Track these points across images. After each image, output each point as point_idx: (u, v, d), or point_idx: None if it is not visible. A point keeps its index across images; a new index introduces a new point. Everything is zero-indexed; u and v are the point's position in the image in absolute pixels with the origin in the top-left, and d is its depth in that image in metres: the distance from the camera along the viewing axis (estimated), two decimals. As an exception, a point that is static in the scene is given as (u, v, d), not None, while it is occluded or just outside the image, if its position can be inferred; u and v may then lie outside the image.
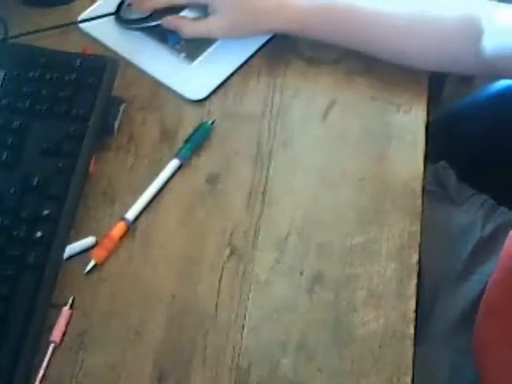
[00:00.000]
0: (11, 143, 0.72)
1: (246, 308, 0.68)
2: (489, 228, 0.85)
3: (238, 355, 0.66)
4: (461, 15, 0.74)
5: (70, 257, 0.70)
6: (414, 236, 0.71)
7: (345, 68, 0.82)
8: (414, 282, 0.68)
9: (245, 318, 0.67)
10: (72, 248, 0.70)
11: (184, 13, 0.83)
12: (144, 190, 0.74)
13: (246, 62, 0.83)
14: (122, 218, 0.71)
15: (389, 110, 0.79)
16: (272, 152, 0.76)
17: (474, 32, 0.73)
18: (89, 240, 0.71)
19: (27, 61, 0.77)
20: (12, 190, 0.70)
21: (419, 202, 0.73)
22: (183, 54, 0.83)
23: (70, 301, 0.68)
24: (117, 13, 0.85)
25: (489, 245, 0.83)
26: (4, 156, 0.72)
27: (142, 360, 0.66)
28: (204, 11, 0.83)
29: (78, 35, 0.85)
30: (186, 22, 0.82)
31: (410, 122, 0.78)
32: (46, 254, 0.67)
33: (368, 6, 0.77)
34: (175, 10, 0.83)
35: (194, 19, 0.83)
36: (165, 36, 0.84)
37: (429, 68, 0.79)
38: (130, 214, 0.72)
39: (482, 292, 0.78)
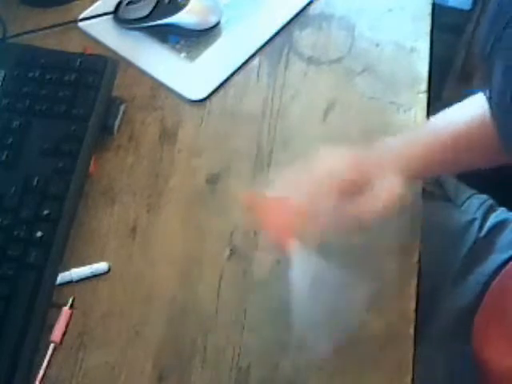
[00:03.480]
0: (11, 143, 0.72)
1: (246, 308, 0.68)
2: (486, 228, 0.85)
3: (238, 355, 0.66)
4: None
5: (81, 279, 0.69)
6: (414, 236, 0.71)
7: (345, 68, 0.82)
8: (414, 282, 0.68)
9: (245, 318, 0.67)
10: (84, 271, 0.69)
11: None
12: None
13: (246, 61, 0.83)
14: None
15: (389, 110, 0.79)
16: (272, 152, 0.76)
17: None
18: (101, 266, 0.70)
19: (27, 61, 0.77)
20: (12, 190, 0.70)
21: (419, 202, 0.73)
22: (183, 54, 0.83)
23: (70, 301, 0.68)
24: (115, 12, 0.85)
25: (486, 244, 0.83)
26: (4, 156, 0.72)
27: (142, 360, 0.66)
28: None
29: (78, 35, 0.85)
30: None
31: (409, 122, 0.78)
32: (46, 254, 0.67)
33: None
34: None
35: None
36: (165, 36, 0.84)
37: None
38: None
39: (480, 292, 0.78)
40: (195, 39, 0.84)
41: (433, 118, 0.72)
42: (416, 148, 0.68)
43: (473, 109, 0.68)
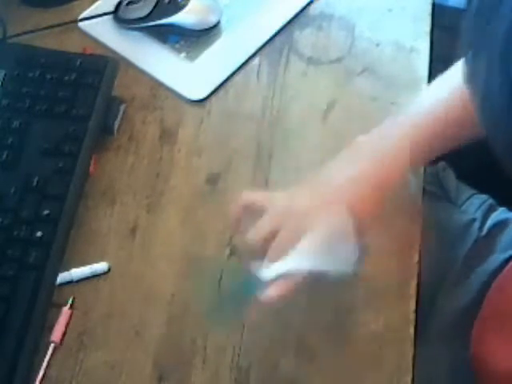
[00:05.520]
0: (11, 143, 0.72)
1: (246, 308, 0.68)
2: (486, 228, 0.85)
3: (238, 355, 0.65)
4: None
5: (81, 279, 0.69)
6: (414, 236, 0.71)
7: (345, 68, 0.82)
8: (414, 282, 0.68)
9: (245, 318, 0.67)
10: (84, 271, 0.69)
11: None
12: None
13: (246, 61, 0.83)
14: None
15: (389, 110, 0.79)
16: (272, 152, 0.76)
17: None
18: (101, 266, 0.70)
19: (27, 61, 0.77)
20: (12, 190, 0.70)
21: (419, 201, 0.73)
22: (183, 54, 0.83)
23: (70, 301, 0.68)
24: (115, 12, 0.85)
25: (486, 244, 0.83)
26: (4, 156, 0.72)
27: (142, 360, 0.66)
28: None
29: (78, 35, 0.85)
30: None
31: (409, 122, 0.78)
32: (46, 254, 0.67)
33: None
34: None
35: None
36: (165, 36, 0.84)
37: None
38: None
39: (480, 292, 0.78)
40: (195, 39, 0.84)
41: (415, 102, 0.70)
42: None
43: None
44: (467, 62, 0.46)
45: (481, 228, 0.85)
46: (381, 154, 0.65)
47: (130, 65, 0.82)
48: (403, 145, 0.66)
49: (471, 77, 0.46)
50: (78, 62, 0.76)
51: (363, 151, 0.66)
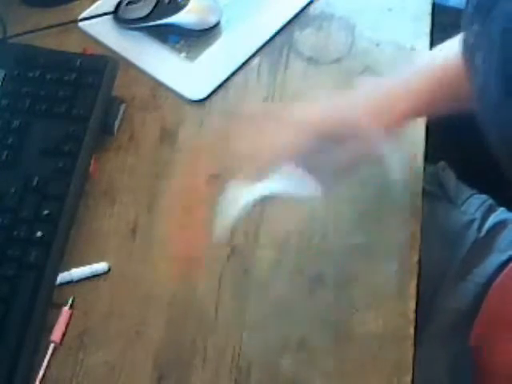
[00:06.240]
0: (11, 143, 0.72)
1: (246, 308, 0.68)
2: (485, 228, 0.85)
3: (238, 355, 0.65)
4: None
5: (81, 279, 0.69)
6: (414, 236, 0.71)
7: (345, 68, 0.82)
8: (414, 282, 0.68)
9: (245, 317, 0.67)
10: (84, 271, 0.69)
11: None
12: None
13: (246, 61, 0.83)
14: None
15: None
16: (272, 152, 0.76)
17: None
18: (101, 266, 0.70)
19: (27, 61, 0.77)
20: (12, 190, 0.70)
21: (419, 202, 0.73)
22: (183, 54, 0.83)
23: (70, 301, 0.68)
24: (115, 12, 0.85)
25: (484, 245, 0.83)
26: (4, 156, 0.72)
27: (142, 360, 0.66)
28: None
29: (78, 35, 0.85)
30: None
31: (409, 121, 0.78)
32: (46, 254, 0.67)
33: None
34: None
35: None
36: (165, 36, 0.84)
37: None
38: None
39: (479, 292, 0.78)
40: (195, 39, 0.84)
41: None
42: (403, 89, 0.67)
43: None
44: (466, 59, 0.47)
45: (480, 228, 0.85)
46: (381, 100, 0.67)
47: (130, 65, 0.82)
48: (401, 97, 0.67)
49: (469, 72, 0.46)
50: (78, 62, 0.76)
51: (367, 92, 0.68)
